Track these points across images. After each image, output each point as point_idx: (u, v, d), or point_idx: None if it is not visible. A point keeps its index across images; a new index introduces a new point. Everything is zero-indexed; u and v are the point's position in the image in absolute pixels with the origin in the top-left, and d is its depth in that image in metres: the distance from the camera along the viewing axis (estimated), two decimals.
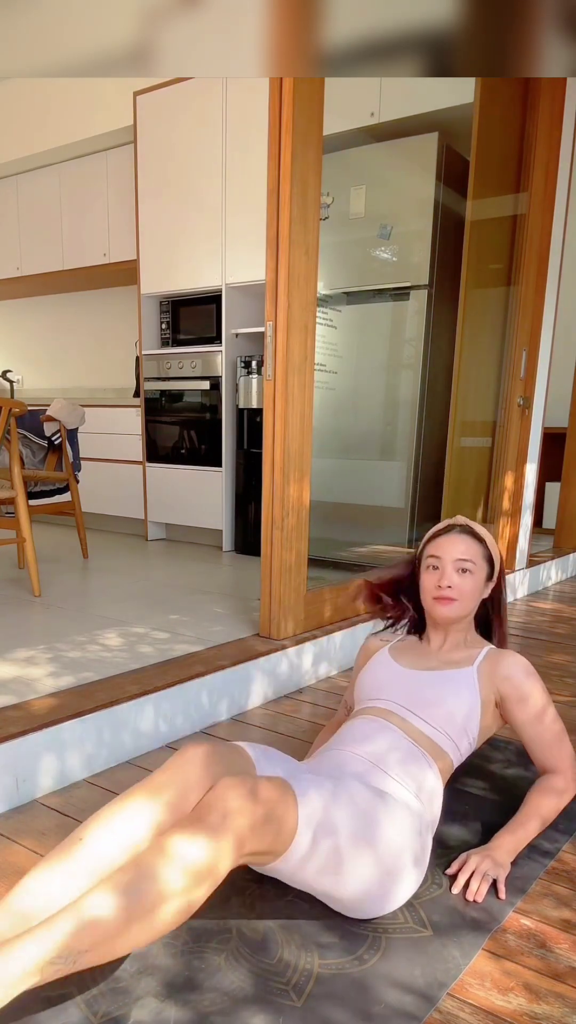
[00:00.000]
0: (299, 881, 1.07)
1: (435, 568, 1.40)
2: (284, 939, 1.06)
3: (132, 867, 0.91)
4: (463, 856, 1.24)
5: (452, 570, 1.38)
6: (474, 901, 1.15)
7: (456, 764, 1.33)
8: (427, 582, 1.41)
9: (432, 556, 1.41)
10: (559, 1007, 0.96)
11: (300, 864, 1.03)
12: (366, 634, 1.63)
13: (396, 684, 1.38)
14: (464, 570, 1.38)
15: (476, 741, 1.35)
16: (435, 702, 1.32)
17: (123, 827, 1.01)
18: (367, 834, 1.06)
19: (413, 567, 1.51)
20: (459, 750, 1.32)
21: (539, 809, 1.30)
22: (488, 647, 1.43)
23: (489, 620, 1.52)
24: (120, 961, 1.01)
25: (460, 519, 1.46)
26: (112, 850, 0.99)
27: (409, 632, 1.56)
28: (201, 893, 0.93)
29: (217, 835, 0.93)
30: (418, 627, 1.55)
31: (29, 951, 0.83)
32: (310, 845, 1.02)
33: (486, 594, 1.45)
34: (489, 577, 1.44)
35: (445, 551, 1.39)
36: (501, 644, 1.52)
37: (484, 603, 1.49)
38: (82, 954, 0.85)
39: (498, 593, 1.49)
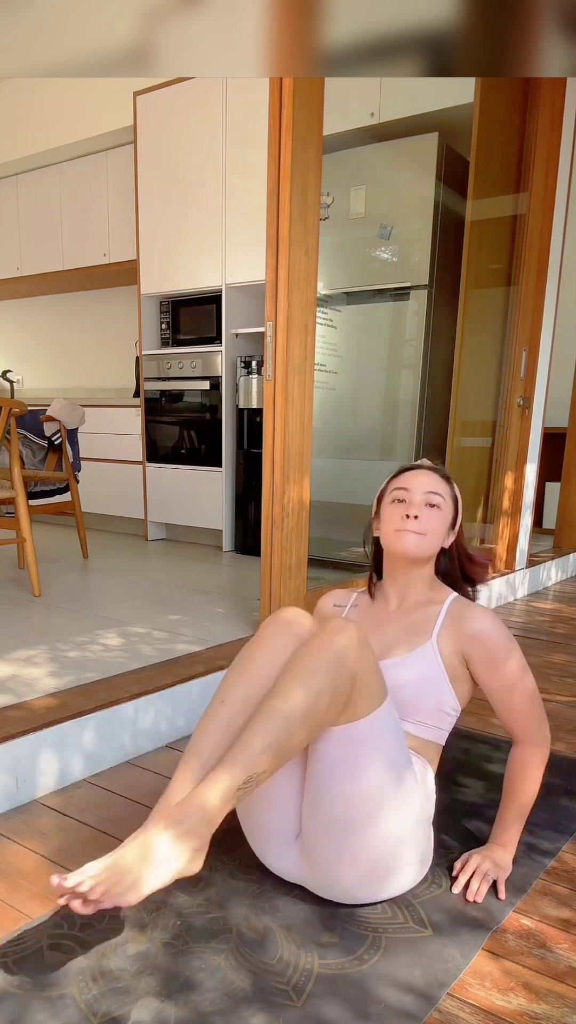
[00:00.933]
0: (341, 797, 1.07)
1: (401, 501, 1.28)
2: (284, 939, 1.06)
3: (271, 697, 1.03)
4: (464, 856, 1.24)
5: (421, 502, 1.26)
6: (474, 901, 1.15)
7: (443, 741, 1.27)
8: (391, 515, 1.28)
9: (399, 488, 1.29)
10: (559, 1007, 0.96)
11: (348, 759, 1.06)
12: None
13: None
14: (432, 504, 1.27)
15: (458, 709, 1.27)
16: (403, 697, 1.23)
17: (256, 680, 1.12)
18: (397, 790, 1.08)
19: (369, 524, 1.40)
20: (443, 729, 1.26)
21: (527, 793, 1.24)
22: (451, 596, 1.31)
23: (451, 571, 1.37)
24: (120, 961, 1.01)
25: (426, 461, 1.36)
26: (251, 699, 1.11)
27: (368, 586, 1.43)
28: (358, 659, 1.04)
29: (342, 631, 1.05)
30: (378, 575, 1.42)
31: (220, 788, 0.97)
32: (371, 736, 1.07)
33: (447, 542, 1.32)
34: (452, 524, 1.32)
35: (413, 483, 1.28)
36: (470, 594, 1.38)
37: (444, 553, 1.35)
38: (258, 775, 0.99)
39: (460, 543, 1.36)
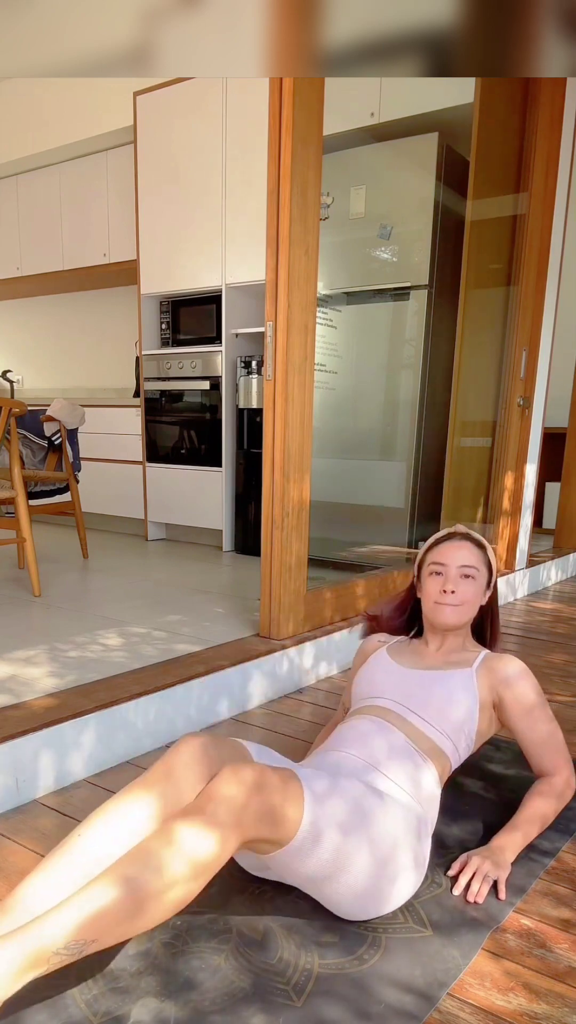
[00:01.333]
0: (298, 877, 1.06)
1: (438, 574, 1.41)
2: (284, 939, 1.06)
3: (134, 856, 0.91)
4: (463, 857, 1.24)
5: (457, 575, 1.39)
6: (474, 902, 1.15)
7: (454, 766, 1.33)
8: (430, 587, 1.42)
9: (435, 563, 1.42)
10: (559, 1007, 0.96)
11: (300, 857, 1.02)
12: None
13: (394, 682, 1.38)
14: (467, 576, 1.40)
15: (473, 743, 1.35)
16: (434, 701, 1.32)
17: (121, 822, 1.01)
18: (365, 830, 1.06)
19: (411, 586, 1.53)
20: (457, 751, 1.32)
21: (538, 811, 1.30)
22: (485, 651, 1.43)
23: (483, 626, 1.53)
24: (120, 961, 1.01)
25: (460, 527, 1.48)
26: (111, 846, 0.99)
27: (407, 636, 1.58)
28: (202, 880, 0.93)
29: (220, 823, 0.93)
30: (417, 635, 1.57)
31: (35, 941, 0.83)
32: (312, 836, 1.02)
33: (483, 601, 1.46)
34: (487, 584, 1.46)
35: (449, 557, 1.41)
36: (495, 649, 1.53)
37: (480, 609, 1.50)
38: (88, 944, 0.86)
39: (493, 600, 1.51)
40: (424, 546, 1.50)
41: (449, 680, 1.35)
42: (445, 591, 1.39)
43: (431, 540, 1.49)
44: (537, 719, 1.35)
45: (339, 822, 1.04)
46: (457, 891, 1.17)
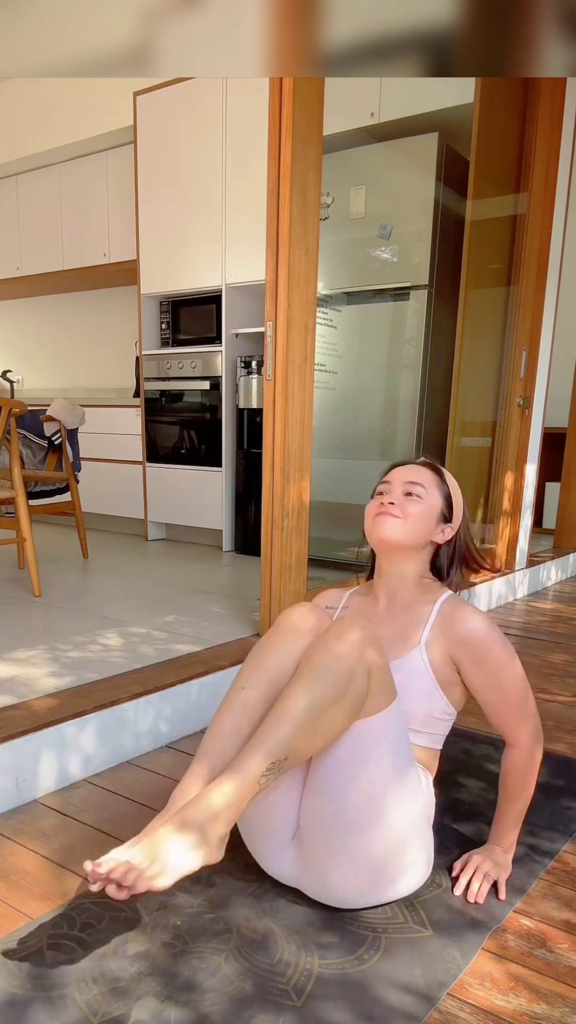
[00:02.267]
0: (324, 821, 1.07)
1: (381, 493, 1.28)
2: (284, 939, 1.06)
3: (295, 682, 1.02)
4: (464, 857, 1.23)
5: (399, 492, 1.25)
6: (475, 902, 1.15)
7: (441, 745, 1.26)
8: (371, 507, 1.28)
9: (382, 483, 1.29)
10: (560, 1007, 0.96)
11: (350, 769, 1.05)
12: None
13: None
14: (410, 493, 1.23)
15: (454, 713, 1.24)
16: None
17: (274, 667, 1.12)
18: (404, 784, 1.09)
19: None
20: (439, 734, 1.24)
21: (525, 792, 1.22)
22: (444, 595, 1.25)
23: (442, 569, 1.32)
24: (120, 961, 1.01)
25: (422, 458, 1.32)
26: (272, 686, 1.11)
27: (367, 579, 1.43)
28: (360, 681, 1.02)
29: (349, 632, 1.04)
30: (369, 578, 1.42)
31: (244, 774, 0.96)
32: (379, 739, 1.06)
33: (439, 537, 1.27)
34: (446, 519, 1.27)
35: (394, 476, 1.28)
36: (453, 588, 1.32)
37: (438, 551, 1.31)
38: (284, 762, 0.98)
39: (456, 543, 1.31)
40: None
41: (402, 674, 1.20)
42: (383, 503, 1.23)
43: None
44: (498, 678, 1.19)
45: (394, 759, 1.08)
46: (458, 891, 1.17)
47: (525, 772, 1.22)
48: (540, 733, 1.24)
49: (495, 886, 1.19)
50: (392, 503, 1.23)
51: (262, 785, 0.98)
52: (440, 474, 1.29)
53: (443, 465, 1.35)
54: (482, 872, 1.19)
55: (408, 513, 1.22)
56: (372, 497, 1.32)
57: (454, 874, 1.21)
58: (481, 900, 1.15)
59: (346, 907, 1.12)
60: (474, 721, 1.92)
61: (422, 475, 1.25)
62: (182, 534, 4.02)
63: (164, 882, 0.90)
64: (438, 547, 1.30)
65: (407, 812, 1.09)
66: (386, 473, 1.31)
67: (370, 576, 1.40)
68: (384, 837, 1.06)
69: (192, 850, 0.92)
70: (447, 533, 1.28)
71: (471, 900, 1.15)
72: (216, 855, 0.95)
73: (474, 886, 1.17)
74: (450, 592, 1.27)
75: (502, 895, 1.17)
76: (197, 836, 0.93)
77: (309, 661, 1.04)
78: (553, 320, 3.28)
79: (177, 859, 0.92)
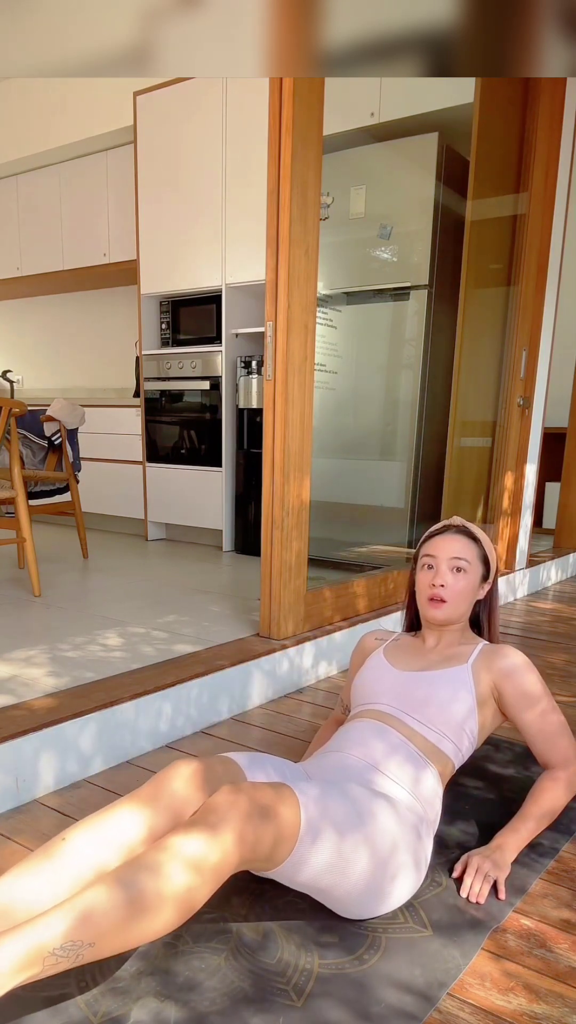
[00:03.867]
0: (299, 882, 1.06)
1: (430, 567, 1.40)
2: (284, 939, 1.06)
3: (133, 863, 0.90)
4: (465, 857, 1.24)
5: (446, 568, 1.38)
6: (476, 902, 1.15)
7: (458, 765, 1.33)
8: (421, 581, 1.42)
9: (427, 555, 1.41)
10: (559, 1007, 0.96)
11: (300, 864, 1.03)
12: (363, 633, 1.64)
13: (390, 686, 1.37)
14: (458, 569, 1.38)
15: (477, 740, 1.35)
16: (431, 703, 1.31)
17: (111, 832, 0.99)
18: (363, 830, 1.06)
19: (411, 581, 1.52)
20: (460, 751, 1.32)
21: (542, 806, 1.29)
22: (482, 643, 1.42)
23: (480, 620, 1.52)
24: (120, 961, 1.01)
25: (456, 520, 1.46)
26: (101, 851, 0.97)
27: (406, 630, 1.57)
28: (204, 891, 0.92)
29: (219, 833, 0.92)
30: (414, 626, 1.56)
31: (30, 939, 0.81)
32: (309, 840, 1.01)
33: (480, 595, 1.45)
34: (484, 578, 1.44)
35: (440, 550, 1.40)
36: (493, 641, 1.51)
37: (477, 603, 1.49)
38: (84, 947, 0.83)
39: (491, 594, 1.49)
40: (422, 538, 1.49)
41: (444, 679, 1.34)
42: (434, 584, 1.38)
43: (427, 533, 1.48)
44: (540, 710, 1.33)
45: (336, 823, 1.04)
46: (463, 893, 1.17)
47: (556, 799, 1.30)
48: None
49: (495, 887, 1.19)
50: (443, 585, 1.37)
51: (46, 966, 0.82)
52: (479, 542, 1.43)
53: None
54: (482, 872, 1.19)
55: (457, 593, 1.38)
56: (415, 563, 1.47)
57: (455, 875, 1.22)
58: (482, 900, 1.15)
59: (351, 918, 1.12)
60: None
61: (465, 548, 1.40)
62: (182, 534, 4.02)
63: None
64: (478, 601, 1.48)
65: (379, 842, 1.07)
66: (427, 540, 1.45)
67: (410, 627, 1.58)
68: (359, 882, 1.05)
69: None
70: (486, 588, 1.47)
71: (472, 900, 1.16)
72: None
73: (475, 886, 1.17)
74: (486, 642, 1.44)
75: (502, 895, 1.17)
76: None
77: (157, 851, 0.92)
78: (553, 320, 3.28)
79: None
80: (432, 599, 1.38)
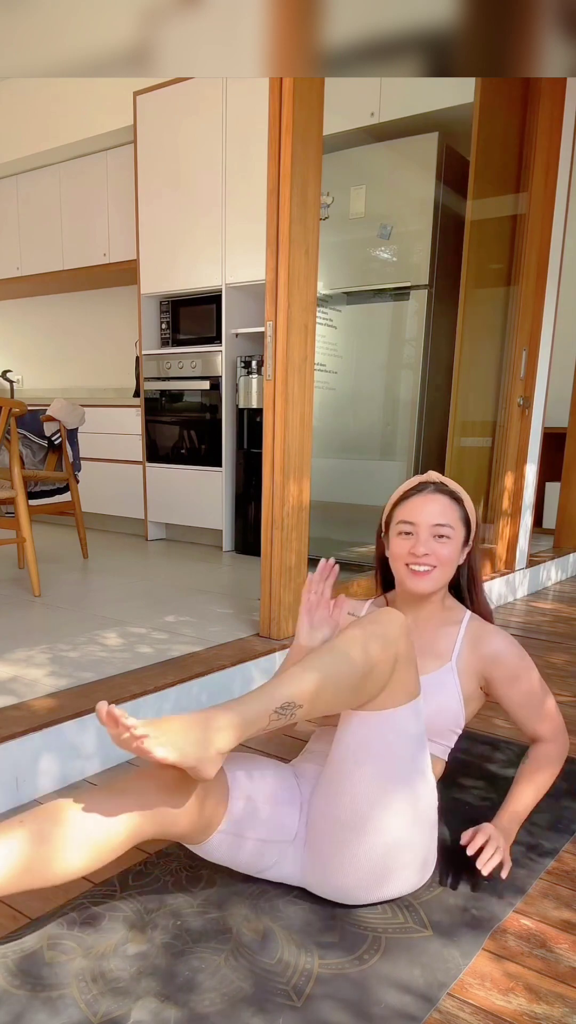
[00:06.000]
0: (328, 817, 1.07)
1: (408, 534, 1.25)
2: (284, 939, 1.06)
3: (342, 633, 1.04)
4: (476, 829, 1.19)
5: (428, 536, 1.23)
6: (487, 875, 1.15)
7: (447, 756, 1.32)
8: (399, 548, 1.26)
9: (404, 521, 1.25)
10: (560, 1007, 0.96)
11: (390, 722, 1.05)
12: None
13: None
14: (441, 536, 1.24)
15: (462, 727, 1.30)
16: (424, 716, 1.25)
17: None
18: (406, 785, 1.08)
19: (378, 542, 1.37)
20: (450, 747, 1.31)
21: (535, 781, 1.26)
22: (465, 621, 1.30)
23: (462, 587, 1.37)
24: (120, 961, 1.01)
25: (434, 476, 1.30)
26: None
27: (380, 590, 1.45)
28: (404, 646, 1.05)
29: (395, 615, 1.06)
30: (386, 585, 1.43)
31: (265, 700, 0.97)
32: (379, 736, 1.05)
33: (461, 559, 1.30)
34: (465, 541, 1.29)
35: (420, 515, 1.24)
36: (481, 612, 1.37)
37: (458, 569, 1.34)
38: (296, 708, 0.97)
39: (473, 557, 1.34)
40: (392, 498, 1.32)
41: (431, 688, 1.25)
42: (415, 553, 1.22)
43: (400, 492, 1.30)
44: (527, 690, 1.27)
45: (407, 754, 1.08)
46: (471, 851, 1.13)
47: (546, 766, 1.26)
48: (565, 734, 1.30)
49: (495, 889, 1.19)
50: (427, 555, 1.23)
51: (271, 721, 0.97)
52: (461, 503, 1.29)
53: (443, 465, 1.36)
54: (495, 841, 1.14)
55: (441, 559, 1.25)
56: (388, 521, 1.31)
57: (464, 841, 1.16)
58: (489, 871, 1.11)
59: (344, 901, 1.12)
60: (474, 721, 1.92)
61: (448, 511, 1.25)
62: (182, 534, 4.02)
63: (160, 753, 0.90)
64: (458, 567, 1.33)
65: (409, 813, 1.09)
66: (402, 500, 1.29)
67: (385, 586, 1.44)
68: (385, 834, 1.07)
69: (189, 746, 0.92)
70: (466, 551, 1.32)
71: (482, 868, 1.11)
72: (206, 767, 0.94)
73: (487, 852, 1.12)
74: (471, 612, 1.34)
75: (505, 872, 1.15)
76: (200, 736, 0.93)
77: (347, 629, 1.05)
78: (553, 320, 3.28)
79: (178, 744, 0.92)
80: (414, 571, 1.24)
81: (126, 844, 0.98)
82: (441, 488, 1.27)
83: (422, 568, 1.24)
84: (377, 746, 1.06)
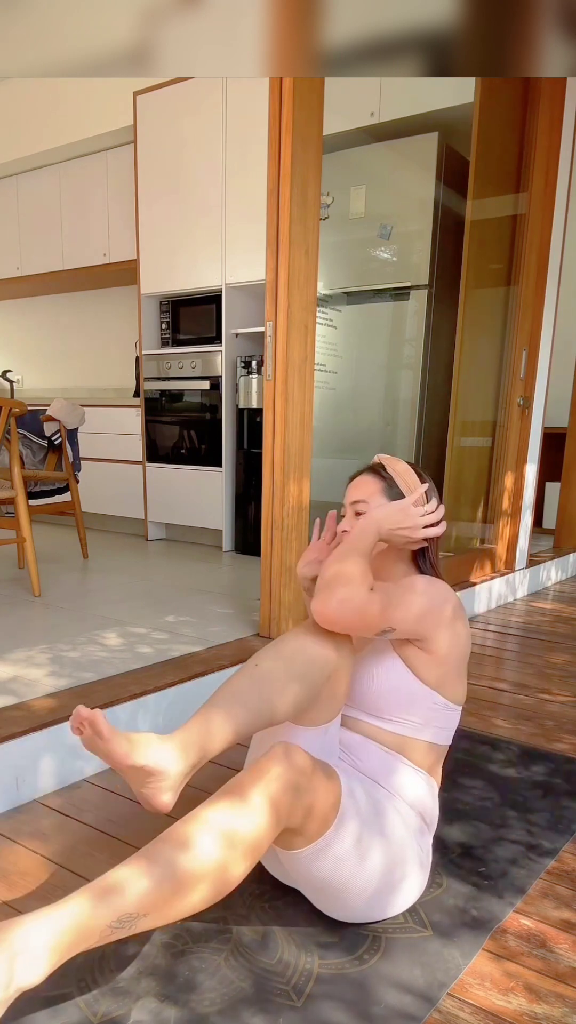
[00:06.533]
0: (315, 874, 1.03)
1: (343, 516, 1.31)
2: (284, 939, 1.06)
3: (166, 839, 0.91)
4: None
5: (351, 514, 1.28)
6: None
7: (445, 739, 1.19)
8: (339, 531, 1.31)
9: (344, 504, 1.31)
10: (559, 1007, 0.96)
11: (324, 851, 1.01)
12: None
13: None
14: (359, 513, 1.25)
15: (440, 701, 1.15)
16: (372, 693, 1.16)
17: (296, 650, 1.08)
18: (380, 827, 1.06)
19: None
20: (439, 726, 1.17)
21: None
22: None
23: (419, 555, 1.28)
24: (120, 961, 1.01)
25: (377, 457, 1.33)
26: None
27: None
28: (246, 861, 0.92)
29: (258, 804, 0.92)
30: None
31: (84, 916, 0.84)
32: (335, 831, 1.00)
33: None
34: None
35: (347, 496, 1.29)
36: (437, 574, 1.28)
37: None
38: (138, 918, 0.86)
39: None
40: None
41: (373, 662, 1.17)
42: (336, 532, 1.29)
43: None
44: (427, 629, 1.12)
45: (361, 816, 1.04)
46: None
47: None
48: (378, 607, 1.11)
49: (497, 889, 1.18)
50: (344, 530, 1.26)
51: (103, 938, 0.85)
52: (384, 477, 1.26)
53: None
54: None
55: None
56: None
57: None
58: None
59: (352, 921, 1.12)
60: (474, 721, 1.92)
61: (367, 487, 1.26)
62: (182, 534, 4.02)
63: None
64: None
65: (390, 846, 1.06)
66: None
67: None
68: (376, 875, 1.05)
69: None
70: None
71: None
72: (8, 990, 0.78)
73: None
74: (420, 576, 1.19)
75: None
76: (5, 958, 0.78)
77: (212, 807, 0.93)
78: (553, 320, 3.28)
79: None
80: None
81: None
82: (369, 469, 1.31)
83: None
84: (324, 870, 1.01)
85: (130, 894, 0.85)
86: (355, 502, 1.26)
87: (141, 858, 0.89)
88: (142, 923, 0.87)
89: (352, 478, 1.32)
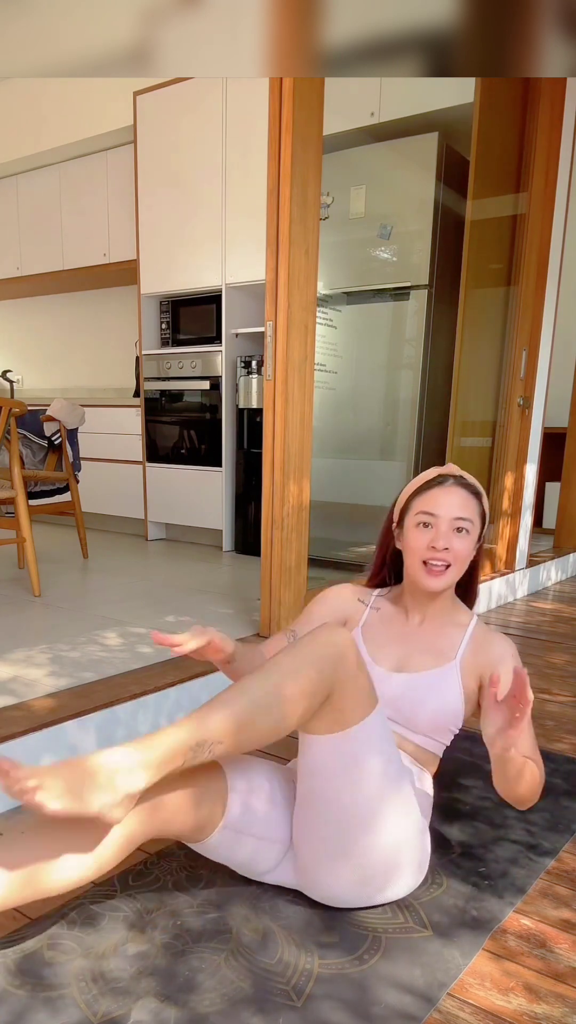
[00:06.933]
0: (327, 766, 1.04)
1: (426, 526, 1.21)
2: (284, 940, 1.06)
3: (238, 686, 0.99)
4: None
5: (448, 529, 1.19)
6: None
7: (442, 752, 1.30)
8: (416, 542, 1.22)
9: (425, 512, 1.21)
10: (559, 1007, 0.96)
11: (345, 773, 1.03)
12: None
13: (378, 691, 1.22)
14: (460, 529, 1.20)
15: (460, 727, 1.28)
16: (420, 711, 1.23)
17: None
18: (399, 788, 1.08)
19: (387, 531, 1.33)
20: (446, 744, 1.29)
21: (517, 775, 1.13)
22: (472, 624, 1.29)
23: (463, 581, 1.34)
24: (120, 961, 1.01)
25: (454, 469, 1.27)
26: None
27: (376, 585, 1.40)
28: (300, 708, 0.99)
29: (333, 635, 1.03)
30: (390, 577, 1.40)
31: (182, 736, 0.93)
32: (365, 745, 1.04)
33: (472, 555, 1.27)
34: (478, 538, 1.26)
35: (442, 506, 1.20)
36: (471, 602, 1.36)
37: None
38: (215, 744, 0.95)
39: (481, 553, 1.31)
40: (408, 488, 1.28)
41: (432, 684, 1.24)
42: (435, 547, 1.19)
43: (418, 482, 1.27)
44: None
45: (386, 756, 1.06)
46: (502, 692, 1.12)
47: (535, 775, 1.15)
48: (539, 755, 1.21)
49: (497, 890, 1.19)
50: (447, 549, 1.19)
51: (185, 760, 0.94)
52: (481, 498, 1.25)
53: (440, 462, 1.35)
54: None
55: (458, 555, 1.21)
56: (404, 509, 1.26)
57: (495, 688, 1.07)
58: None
59: (343, 906, 1.13)
60: (474, 721, 1.92)
61: (469, 506, 1.22)
62: (182, 534, 4.02)
63: (53, 806, 0.85)
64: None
65: (400, 819, 1.08)
66: (423, 490, 1.25)
67: (383, 579, 1.41)
68: (376, 844, 1.06)
69: (91, 793, 0.87)
70: (475, 549, 1.28)
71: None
72: (113, 812, 0.89)
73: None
74: (477, 617, 1.32)
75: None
76: (105, 780, 0.89)
77: (279, 655, 1.02)
78: (553, 320, 3.28)
79: (77, 791, 0.87)
80: (432, 567, 1.20)
81: (125, 848, 0.98)
82: (461, 482, 1.24)
83: (437, 565, 1.20)
84: (352, 766, 1.04)
85: (208, 723, 0.95)
86: (461, 518, 1.20)
87: (218, 698, 0.99)
88: (218, 748, 0.96)
89: (432, 484, 1.24)
